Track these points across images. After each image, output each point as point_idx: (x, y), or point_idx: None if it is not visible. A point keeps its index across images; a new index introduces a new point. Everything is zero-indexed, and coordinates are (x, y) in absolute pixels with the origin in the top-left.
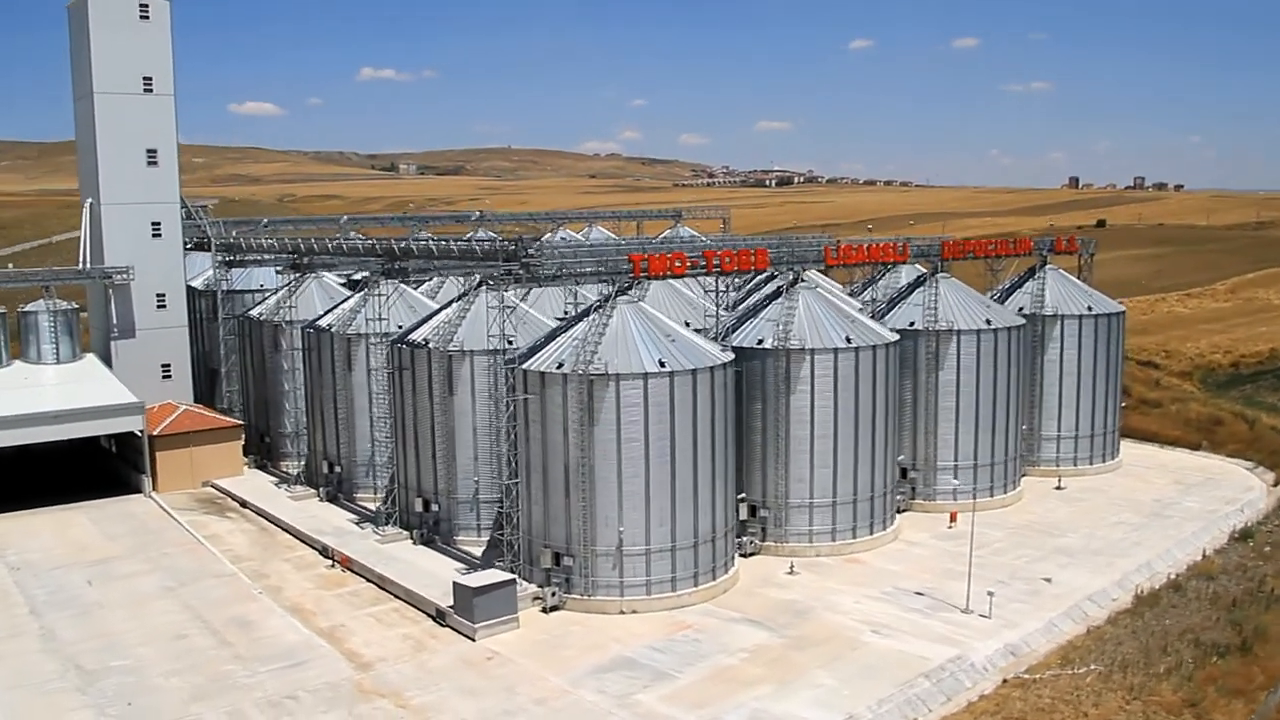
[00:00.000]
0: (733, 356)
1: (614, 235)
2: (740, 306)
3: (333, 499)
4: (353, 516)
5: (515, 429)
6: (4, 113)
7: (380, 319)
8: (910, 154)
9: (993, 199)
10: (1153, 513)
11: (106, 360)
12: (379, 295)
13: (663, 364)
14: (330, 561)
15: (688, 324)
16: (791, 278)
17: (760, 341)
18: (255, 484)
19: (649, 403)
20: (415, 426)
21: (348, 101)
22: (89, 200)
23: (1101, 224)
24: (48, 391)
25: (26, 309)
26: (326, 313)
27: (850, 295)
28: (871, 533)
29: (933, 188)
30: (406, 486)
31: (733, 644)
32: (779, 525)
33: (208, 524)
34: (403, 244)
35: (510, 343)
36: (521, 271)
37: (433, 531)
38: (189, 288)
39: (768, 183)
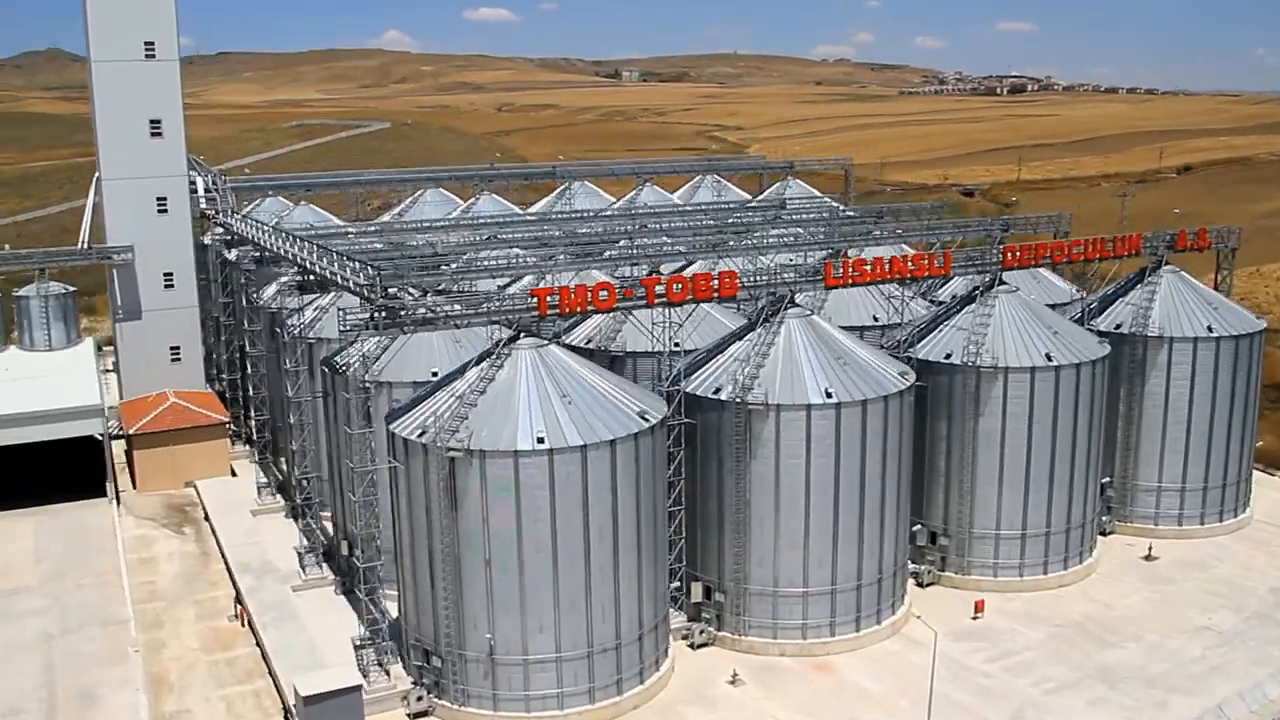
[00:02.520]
0: (655, 421)
1: (732, 187)
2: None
3: (299, 515)
4: (302, 544)
5: (391, 498)
6: (243, 25)
7: (301, 333)
8: (1163, 56)
9: (1236, 112)
10: (1259, 612)
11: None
12: (301, 307)
13: (541, 440)
14: (235, 610)
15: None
16: (774, 307)
17: (717, 391)
18: (231, 489)
19: (521, 487)
20: (337, 460)
21: (580, 5)
22: (97, 174)
23: None
24: (12, 388)
25: (19, 294)
26: (305, 306)
27: (925, 294)
28: (858, 628)
29: (1176, 96)
30: (336, 524)
31: None
32: (737, 614)
33: (154, 542)
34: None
35: (436, 372)
36: (380, 317)
37: (356, 580)
38: (226, 261)
39: (999, 90)
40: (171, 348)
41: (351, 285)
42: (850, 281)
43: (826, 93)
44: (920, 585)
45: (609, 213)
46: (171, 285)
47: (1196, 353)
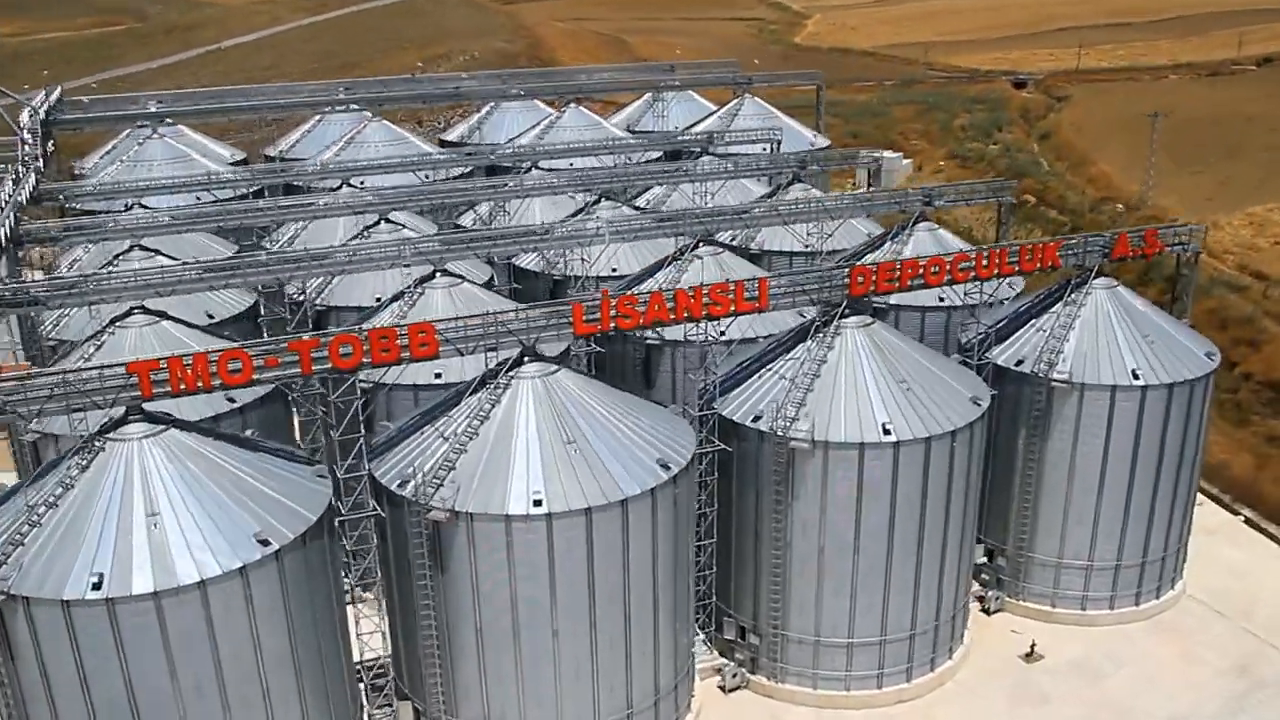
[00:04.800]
0: (273, 550)
1: (698, 99)
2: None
3: None
4: None
5: None
6: None
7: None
8: None
9: None
10: None
11: None
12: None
13: (98, 585)
14: None
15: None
16: (495, 371)
17: (402, 484)
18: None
19: (78, 640)
20: None
21: None
22: None
23: None
24: None
25: None
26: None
27: None
28: None
29: None
30: None
31: None
32: None
33: None
34: None
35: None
36: None
37: None
38: None
39: None
40: None
41: None
42: (613, 327)
43: None
44: (723, 690)
45: (510, 147)
46: None
47: (1114, 405)
